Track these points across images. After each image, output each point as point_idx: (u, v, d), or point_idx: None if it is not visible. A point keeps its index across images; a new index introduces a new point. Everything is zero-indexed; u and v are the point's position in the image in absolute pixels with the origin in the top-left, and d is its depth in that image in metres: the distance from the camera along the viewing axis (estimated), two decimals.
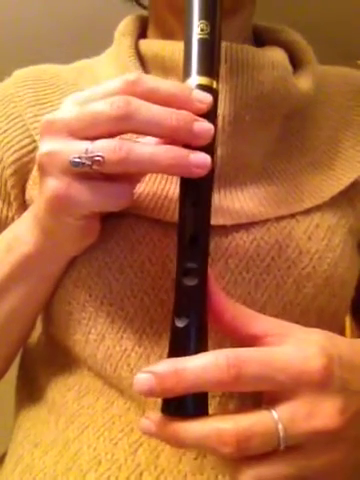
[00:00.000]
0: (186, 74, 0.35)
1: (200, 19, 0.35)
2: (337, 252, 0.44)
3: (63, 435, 0.43)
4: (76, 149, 0.33)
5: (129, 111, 0.32)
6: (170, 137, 0.33)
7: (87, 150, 0.32)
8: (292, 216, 0.44)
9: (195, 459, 0.40)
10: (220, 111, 0.43)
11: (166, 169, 0.32)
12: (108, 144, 0.32)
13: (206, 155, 0.32)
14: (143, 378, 0.30)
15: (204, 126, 0.33)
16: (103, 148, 0.32)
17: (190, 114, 0.32)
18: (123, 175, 0.35)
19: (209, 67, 0.35)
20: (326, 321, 0.44)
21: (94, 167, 0.32)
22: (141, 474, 0.39)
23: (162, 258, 0.41)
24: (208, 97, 0.33)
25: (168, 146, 0.32)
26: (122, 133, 0.33)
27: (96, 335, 0.43)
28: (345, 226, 0.46)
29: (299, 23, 0.55)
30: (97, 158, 0.32)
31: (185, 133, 0.32)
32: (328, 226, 0.45)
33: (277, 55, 0.47)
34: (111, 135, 0.33)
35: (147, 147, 0.32)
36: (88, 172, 0.33)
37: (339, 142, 0.49)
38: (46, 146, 0.35)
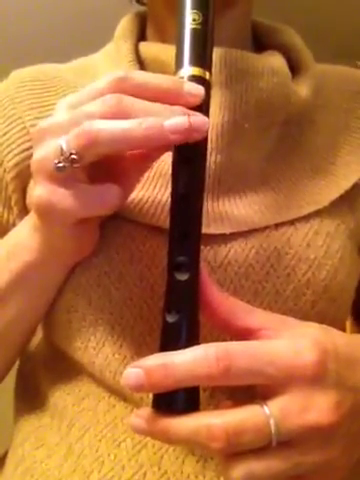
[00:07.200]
0: (178, 65, 0.34)
1: (192, 9, 0.35)
2: (336, 258, 0.44)
3: (66, 438, 0.43)
4: (54, 150, 0.32)
5: (121, 109, 0.31)
6: None
7: (62, 149, 0.32)
8: (291, 223, 0.44)
9: (198, 461, 0.40)
10: (219, 119, 0.43)
11: (143, 142, 0.31)
12: (72, 133, 0.31)
13: (183, 117, 0.31)
14: (132, 372, 0.30)
15: (199, 120, 0.32)
16: (70, 139, 0.31)
17: (183, 108, 0.32)
18: (112, 176, 0.35)
19: (202, 57, 0.34)
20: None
21: (75, 166, 0.32)
22: (144, 475, 0.39)
23: (162, 266, 0.41)
24: (200, 89, 0.33)
25: (141, 119, 0.31)
26: None
27: (95, 343, 0.42)
28: (345, 231, 0.46)
29: (299, 23, 0.55)
30: (72, 156, 0.31)
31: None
32: (327, 232, 0.44)
33: (276, 61, 0.46)
34: None
35: (118, 123, 0.31)
36: (75, 175, 0.33)
37: (338, 146, 0.49)
38: (37, 153, 0.34)
